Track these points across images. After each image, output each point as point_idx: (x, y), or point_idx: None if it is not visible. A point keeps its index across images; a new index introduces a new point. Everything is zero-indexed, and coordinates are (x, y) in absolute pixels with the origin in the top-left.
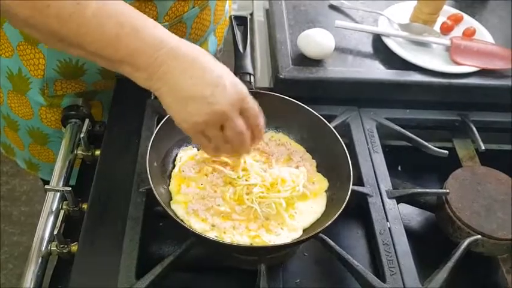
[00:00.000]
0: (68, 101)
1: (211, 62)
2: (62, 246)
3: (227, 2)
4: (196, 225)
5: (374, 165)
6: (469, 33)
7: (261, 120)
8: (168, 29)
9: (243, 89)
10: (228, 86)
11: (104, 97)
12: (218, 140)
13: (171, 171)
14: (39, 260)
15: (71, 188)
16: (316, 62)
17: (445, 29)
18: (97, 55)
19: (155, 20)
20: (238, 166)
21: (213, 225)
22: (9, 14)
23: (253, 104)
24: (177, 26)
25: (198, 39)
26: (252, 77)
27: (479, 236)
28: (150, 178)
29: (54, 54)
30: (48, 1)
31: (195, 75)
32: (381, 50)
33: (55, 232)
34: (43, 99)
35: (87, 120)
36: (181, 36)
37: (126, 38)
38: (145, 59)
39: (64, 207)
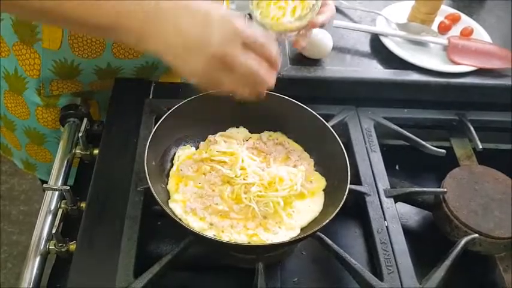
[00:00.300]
0: (64, 101)
1: (199, 3)
2: (60, 245)
3: (224, 2)
4: (194, 224)
5: (372, 164)
6: (466, 33)
7: (271, 47)
8: None
9: (237, 21)
10: (219, 23)
11: (100, 97)
12: (233, 82)
13: (169, 170)
14: (38, 259)
15: (69, 187)
16: (314, 62)
17: (443, 29)
18: (83, 24)
19: None
20: (236, 165)
21: (211, 224)
22: None
23: (253, 33)
24: None
25: None
26: None
27: (476, 235)
28: (148, 177)
29: (50, 54)
30: None
31: (184, 22)
32: (379, 50)
33: (53, 231)
34: (39, 99)
35: (85, 120)
36: None
37: (112, 3)
38: (133, 20)
39: (62, 206)
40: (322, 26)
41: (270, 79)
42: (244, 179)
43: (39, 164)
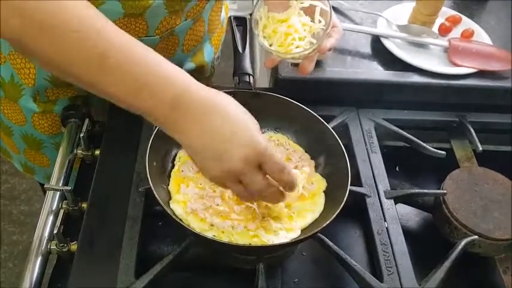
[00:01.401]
0: (60, 107)
1: (230, 112)
2: (61, 245)
3: (223, 10)
4: (195, 224)
5: (372, 165)
6: (467, 35)
7: (286, 174)
8: (159, 42)
9: (261, 142)
10: (243, 141)
11: (97, 99)
12: (241, 193)
13: (171, 170)
14: (39, 259)
15: (71, 187)
16: (315, 63)
17: (444, 31)
18: (114, 99)
19: (145, 33)
20: None
21: (211, 225)
22: (28, 53)
23: (273, 158)
24: (169, 39)
25: (191, 49)
26: (251, 78)
27: (476, 237)
28: (149, 178)
29: None
30: (71, 43)
31: (210, 130)
32: (380, 51)
33: (55, 231)
34: (36, 105)
35: (87, 120)
36: (174, 48)
37: (147, 91)
38: (162, 113)
39: (64, 206)
40: (330, 50)
41: (278, 199)
42: None
43: (37, 168)
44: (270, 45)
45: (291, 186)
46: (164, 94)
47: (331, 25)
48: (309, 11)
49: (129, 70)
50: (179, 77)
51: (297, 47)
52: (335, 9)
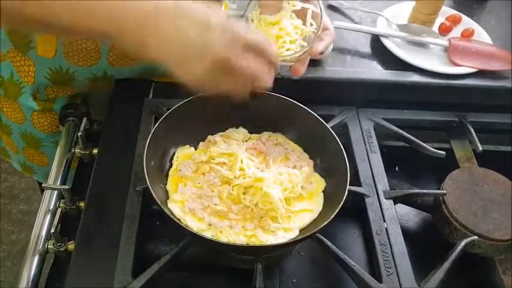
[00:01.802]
0: (60, 105)
1: (200, 8)
2: (59, 244)
3: (222, 8)
4: (193, 224)
5: (371, 165)
6: (467, 34)
7: (270, 49)
8: None
9: (237, 25)
10: (221, 28)
11: (96, 97)
12: (233, 84)
13: (168, 170)
14: (36, 258)
15: (68, 186)
16: (315, 62)
17: (444, 30)
18: (77, 32)
19: None
20: (235, 166)
21: (209, 225)
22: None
23: (253, 36)
24: None
25: None
26: None
27: (475, 237)
28: (147, 177)
29: (44, 62)
30: None
31: (185, 28)
32: (379, 51)
33: (52, 230)
34: (35, 103)
35: (84, 119)
36: None
37: (107, 5)
38: (131, 25)
39: (61, 205)
40: (321, 53)
41: (269, 79)
42: (243, 178)
43: (36, 167)
44: None
45: (275, 60)
46: (132, 5)
47: (321, 28)
48: (301, 14)
49: None
50: None
51: (288, 50)
52: (335, 8)
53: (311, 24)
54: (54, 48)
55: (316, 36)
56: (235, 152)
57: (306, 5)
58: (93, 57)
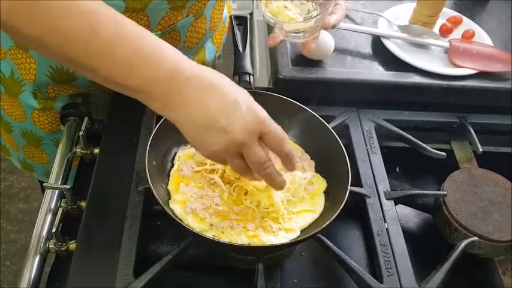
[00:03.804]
0: (61, 103)
1: (228, 86)
2: (60, 244)
3: (225, 8)
4: (195, 224)
5: (372, 166)
6: (468, 36)
7: (286, 144)
8: (161, 37)
9: (261, 113)
10: (245, 112)
11: (97, 97)
12: (240, 168)
13: (170, 170)
14: (37, 258)
15: (69, 186)
16: (316, 63)
17: (444, 31)
18: (110, 81)
19: (147, 28)
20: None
21: (211, 225)
22: (19, 35)
23: (274, 128)
24: (171, 35)
25: (194, 47)
26: (251, 77)
27: (476, 238)
28: (148, 177)
29: (46, 59)
30: (58, 20)
31: (211, 102)
32: (380, 52)
33: (53, 230)
34: (36, 102)
35: (86, 119)
36: (175, 44)
37: (140, 67)
38: (160, 89)
39: (62, 205)
40: (333, 27)
41: (277, 179)
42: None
43: (36, 165)
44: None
45: (290, 158)
46: (161, 66)
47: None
48: None
49: (119, 45)
50: (172, 50)
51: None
52: None
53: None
54: None
55: (326, 9)
56: None
57: None
58: None
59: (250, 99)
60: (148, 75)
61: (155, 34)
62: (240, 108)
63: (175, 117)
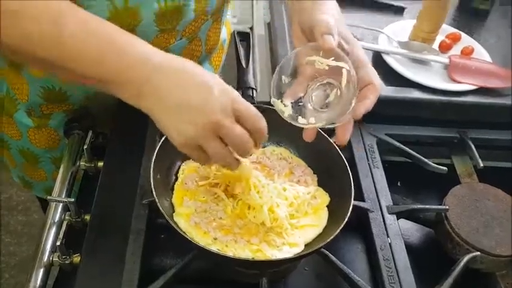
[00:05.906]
0: (56, 120)
1: (199, 70)
2: (64, 257)
3: (224, 30)
4: (198, 238)
5: (374, 180)
6: (467, 52)
7: (260, 122)
8: None
9: (234, 92)
10: (220, 93)
11: (99, 110)
12: (218, 151)
13: (174, 183)
14: (41, 271)
15: (74, 199)
16: None
17: (444, 48)
18: (82, 76)
19: None
20: (241, 181)
21: (214, 239)
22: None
23: (247, 106)
24: None
25: None
26: (254, 92)
27: (477, 253)
28: (153, 190)
29: (37, 81)
30: (30, 27)
31: (183, 84)
32: (381, 67)
33: (57, 243)
34: (30, 120)
35: (90, 132)
36: None
37: (109, 57)
38: (130, 76)
39: (67, 218)
40: (366, 113)
41: (249, 151)
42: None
43: (35, 182)
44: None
45: (262, 133)
46: (132, 53)
47: (357, 86)
48: (332, 73)
49: (87, 40)
50: (142, 42)
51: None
52: None
53: (346, 85)
54: None
55: (354, 94)
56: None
57: (339, 64)
58: None
59: (221, 81)
60: (120, 64)
61: None
62: (214, 89)
63: (150, 106)
